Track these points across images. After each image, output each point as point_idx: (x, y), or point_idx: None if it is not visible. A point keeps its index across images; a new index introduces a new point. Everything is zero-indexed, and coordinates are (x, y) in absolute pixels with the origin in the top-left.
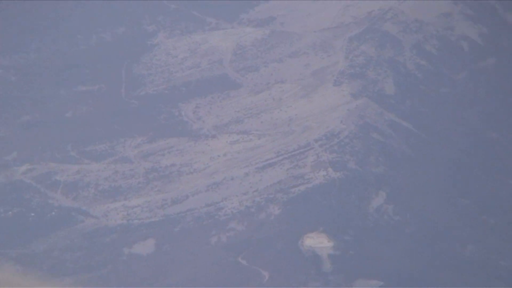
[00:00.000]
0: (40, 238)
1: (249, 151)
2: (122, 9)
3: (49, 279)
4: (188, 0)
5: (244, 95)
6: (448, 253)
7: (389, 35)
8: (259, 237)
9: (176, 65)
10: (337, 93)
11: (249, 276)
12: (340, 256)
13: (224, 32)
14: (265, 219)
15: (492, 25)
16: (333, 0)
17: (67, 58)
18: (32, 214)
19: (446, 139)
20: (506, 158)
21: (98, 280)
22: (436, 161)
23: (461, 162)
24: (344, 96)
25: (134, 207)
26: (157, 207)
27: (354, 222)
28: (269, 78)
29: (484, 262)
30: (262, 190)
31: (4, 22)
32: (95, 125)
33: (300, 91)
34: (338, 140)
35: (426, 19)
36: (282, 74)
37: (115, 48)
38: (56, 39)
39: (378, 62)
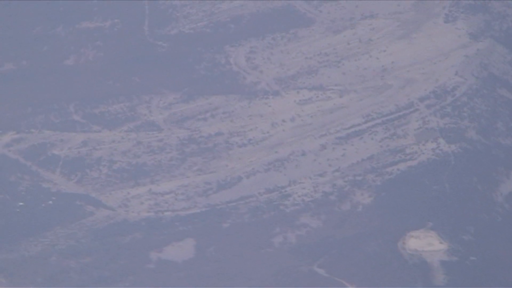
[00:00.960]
0: (32, 237)
1: (327, 114)
2: None
3: None
4: None
5: (318, 36)
6: None
7: None
8: (342, 237)
9: None
10: (449, 32)
11: None
12: (457, 263)
13: None
14: (350, 211)
15: None
16: None
17: None
18: (20, 204)
19: None
20: None
21: None
22: None
23: None
24: (459, 36)
25: (165, 194)
26: (197, 194)
27: (475, 215)
28: (353, 11)
29: None
30: (345, 169)
31: None
32: (107, 77)
33: (398, 29)
34: (452, 99)
35: None
36: (372, 5)
37: None
38: None
39: None
